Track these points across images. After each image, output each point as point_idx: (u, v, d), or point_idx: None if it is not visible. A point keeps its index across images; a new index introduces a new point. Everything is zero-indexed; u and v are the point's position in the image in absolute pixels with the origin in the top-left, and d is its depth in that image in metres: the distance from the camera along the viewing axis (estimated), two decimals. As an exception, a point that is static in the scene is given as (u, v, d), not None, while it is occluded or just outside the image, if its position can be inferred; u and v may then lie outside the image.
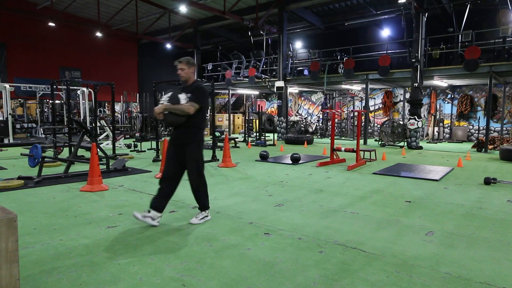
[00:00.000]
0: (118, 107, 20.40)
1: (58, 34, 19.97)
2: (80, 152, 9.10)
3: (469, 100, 15.89)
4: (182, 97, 3.57)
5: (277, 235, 3.48)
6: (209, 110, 10.95)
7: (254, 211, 4.34)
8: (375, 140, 15.18)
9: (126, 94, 20.28)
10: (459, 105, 16.12)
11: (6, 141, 12.36)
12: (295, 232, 3.57)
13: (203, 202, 3.88)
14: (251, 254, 3.01)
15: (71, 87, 10.96)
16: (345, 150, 8.54)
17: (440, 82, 15.07)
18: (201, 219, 3.85)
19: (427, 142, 15.20)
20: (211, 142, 9.45)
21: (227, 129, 19.06)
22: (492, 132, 15.05)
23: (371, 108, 18.40)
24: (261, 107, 17.00)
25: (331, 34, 20.18)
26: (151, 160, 8.81)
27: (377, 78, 14.25)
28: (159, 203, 3.70)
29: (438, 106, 16.88)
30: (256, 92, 22.43)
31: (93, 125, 10.07)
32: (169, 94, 3.63)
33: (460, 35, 13.61)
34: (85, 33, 20.28)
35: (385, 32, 18.34)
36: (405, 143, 13.01)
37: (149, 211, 3.68)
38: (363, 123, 14.54)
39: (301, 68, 17.61)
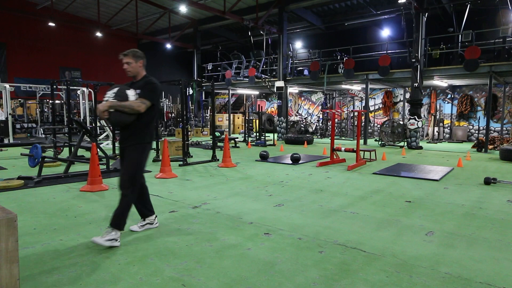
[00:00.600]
0: (118, 107, 20.34)
1: (58, 34, 19.97)
2: (80, 152, 9.10)
3: (469, 100, 15.89)
4: (131, 93, 3.15)
5: (277, 235, 3.48)
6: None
7: (254, 211, 4.34)
8: (375, 140, 15.18)
9: (126, 94, 20.26)
10: (459, 105, 16.12)
11: (6, 141, 12.36)
12: (295, 232, 3.56)
13: (118, 216, 3.15)
14: (251, 254, 3.01)
15: (71, 87, 10.96)
16: (345, 150, 8.53)
17: (440, 82, 15.07)
18: (107, 240, 3.05)
19: (427, 142, 15.20)
20: (211, 142, 9.46)
21: (227, 129, 19.06)
22: (492, 132, 15.05)
23: (371, 108, 18.40)
24: (261, 107, 17.00)
25: (331, 34, 20.19)
26: (151, 160, 8.81)
27: (377, 78, 14.25)
28: (144, 210, 3.57)
29: (438, 106, 16.88)
30: (256, 92, 22.43)
31: (93, 125, 10.07)
32: (115, 89, 3.16)
33: (460, 35, 13.61)
34: (85, 33, 20.28)
35: (385, 32, 18.35)
36: (405, 143, 13.01)
37: (143, 220, 3.60)
38: (363, 123, 14.54)
39: (301, 68, 17.63)
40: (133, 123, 3.20)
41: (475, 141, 12.66)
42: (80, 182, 5.95)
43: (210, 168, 7.62)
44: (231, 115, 19.73)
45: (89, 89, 14.76)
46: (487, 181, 6.02)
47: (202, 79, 20.33)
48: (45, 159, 6.24)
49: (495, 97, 15.14)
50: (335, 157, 8.57)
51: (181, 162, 8.02)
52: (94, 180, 5.39)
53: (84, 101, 14.91)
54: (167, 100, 20.94)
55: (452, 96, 16.48)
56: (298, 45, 21.29)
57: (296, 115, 21.38)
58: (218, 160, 8.65)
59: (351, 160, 8.80)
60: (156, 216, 3.68)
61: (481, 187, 5.90)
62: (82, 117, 15.08)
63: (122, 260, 2.86)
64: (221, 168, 7.69)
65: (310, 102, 21.35)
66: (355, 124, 16.61)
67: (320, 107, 20.64)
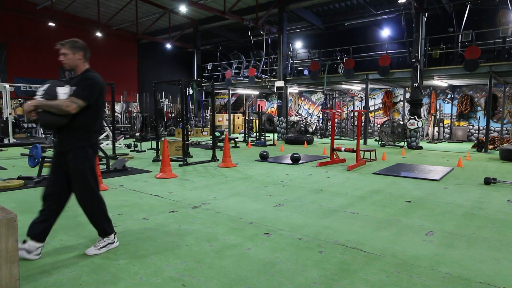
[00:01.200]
0: (118, 107, 20.40)
1: (58, 34, 19.86)
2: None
3: (469, 100, 15.89)
4: (62, 91, 2.75)
5: (277, 235, 3.47)
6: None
7: (254, 211, 4.34)
8: (375, 140, 15.18)
9: (126, 94, 20.29)
10: (459, 105, 16.12)
11: (6, 141, 12.36)
12: (295, 232, 3.56)
13: (101, 226, 3.02)
14: (251, 254, 3.01)
15: (71, 87, 10.97)
16: (345, 150, 8.54)
17: (440, 82, 15.07)
18: (101, 247, 2.98)
19: (427, 142, 15.20)
20: (211, 142, 9.45)
21: (227, 129, 19.06)
22: (492, 132, 15.05)
23: (371, 108, 18.40)
24: (261, 107, 17.00)
25: (331, 34, 20.19)
26: (151, 160, 8.81)
27: (377, 78, 14.25)
28: (38, 228, 2.85)
29: (438, 106, 16.88)
30: (256, 92, 22.44)
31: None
32: (45, 86, 2.78)
33: (460, 35, 13.62)
34: (85, 33, 20.23)
35: (385, 32, 18.35)
36: (405, 143, 13.01)
37: (24, 241, 2.84)
38: (363, 123, 14.55)
39: (301, 68, 17.63)
40: (68, 125, 2.80)
41: (475, 141, 12.66)
42: (80, 182, 5.94)
43: (210, 168, 7.62)
44: (231, 115, 19.73)
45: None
46: (487, 181, 6.02)
47: (202, 79, 20.33)
48: (45, 159, 6.25)
49: (495, 97, 15.14)
50: (335, 157, 8.57)
51: (181, 162, 8.02)
52: (94, 180, 5.39)
53: (84, 101, 14.89)
54: (167, 100, 20.95)
55: (452, 96, 16.48)
56: (298, 45, 21.29)
57: (296, 115, 21.38)
58: (218, 160, 8.65)
59: (351, 160, 8.80)
60: (41, 247, 2.90)
61: (481, 187, 5.90)
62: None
63: (122, 260, 2.86)
64: (221, 168, 7.69)
65: (310, 102, 21.35)
66: (355, 124, 16.61)
67: (320, 107, 20.64)
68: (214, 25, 20.23)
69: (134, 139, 14.24)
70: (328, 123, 18.46)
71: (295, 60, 18.22)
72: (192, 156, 9.34)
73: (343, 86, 17.58)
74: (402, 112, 17.42)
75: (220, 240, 3.32)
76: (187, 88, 18.92)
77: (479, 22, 14.63)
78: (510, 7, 13.18)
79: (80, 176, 2.86)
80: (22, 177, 5.98)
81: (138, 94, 23.14)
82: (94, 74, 2.93)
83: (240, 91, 21.26)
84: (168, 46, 20.05)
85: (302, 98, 21.70)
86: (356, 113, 15.15)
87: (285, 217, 4.08)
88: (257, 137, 14.70)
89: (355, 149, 8.28)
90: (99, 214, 3.00)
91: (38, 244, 2.85)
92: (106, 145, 11.53)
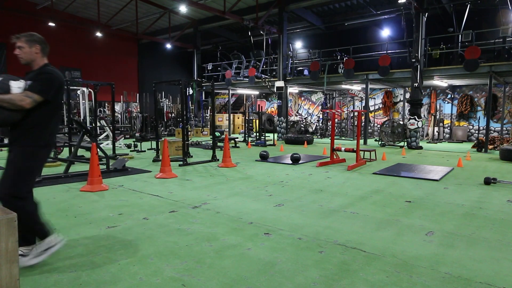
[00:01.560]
0: (118, 107, 20.39)
1: (58, 34, 19.95)
2: (80, 152, 9.10)
3: (469, 100, 15.90)
4: (16, 85, 2.55)
5: (277, 235, 3.47)
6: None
7: (254, 211, 4.34)
8: (375, 140, 15.18)
9: (126, 94, 20.29)
10: (459, 105, 16.12)
11: (6, 141, 12.35)
12: (295, 232, 3.56)
13: (35, 230, 2.74)
14: (251, 254, 3.01)
15: (71, 87, 10.96)
16: (345, 150, 8.54)
17: (440, 82, 15.08)
18: (38, 255, 2.73)
19: (427, 142, 15.20)
20: (211, 142, 9.46)
21: (227, 129, 19.06)
22: (492, 132, 15.05)
23: (371, 108, 18.40)
24: (261, 107, 17.00)
25: (331, 34, 20.20)
26: (151, 160, 8.82)
27: (377, 78, 14.26)
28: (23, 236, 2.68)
29: (438, 106, 16.88)
30: (256, 92, 22.44)
31: (93, 125, 10.07)
32: None
33: (460, 35, 13.62)
34: (85, 33, 20.28)
35: (385, 32, 18.36)
36: (405, 143, 13.01)
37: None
38: (363, 123, 14.55)
39: (301, 68, 17.63)
40: (22, 122, 2.61)
41: (475, 141, 12.66)
42: (80, 182, 5.95)
43: (210, 168, 7.62)
44: (231, 115, 19.73)
45: (89, 89, 14.77)
46: (487, 181, 6.02)
47: (202, 79, 20.34)
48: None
49: (495, 97, 15.15)
50: (335, 157, 8.57)
51: (181, 162, 8.02)
52: (94, 180, 5.39)
53: (84, 101, 14.91)
54: (167, 100, 20.95)
55: (452, 96, 16.49)
56: (298, 45, 21.30)
57: (296, 115, 21.38)
58: (218, 160, 8.65)
59: (351, 160, 8.80)
60: (33, 247, 2.78)
61: (481, 187, 5.90)
62: (82, 117, 15.09)
63: (122, 260, 2.86)
64: (221, 168, 7.69)
65: (310, 102, 21.35)
66: (355, 124, 16.61)
67: (320, 107, 20.64)
68: (214, 25, 20.23)
69: (134, 139, 14.25)
70: (328, 123, 18.47)
71: (295, 60, 18.23)
72: (192, 156, 9.34)
73: (343, 86, 17.59)
74: (402, 112, 17.42)
75: (220, 240, 3.32)
76: (187, 88, 18.94)
77: (479, 22, 14.63)
78: (510, 7, 13.18)
79: (11, 169, 2.61)
80: (22, 177, 5.97)
81: (138, 94, 23.14)
82: (53, 69, 2.76)
83: (240, 91, 21.26)
84: (168, 46, 20.05)
85: (302, 98, 21.70)
86: (356, 113, 15.15)
87: (285, 217, 4.08)
88: (257, 137, 14.70)
89: (355, 149, 8.28)
90: (26, 217, 2.64)
91: (30, 246, 2.78)
92: (106, 145, 11.54)
